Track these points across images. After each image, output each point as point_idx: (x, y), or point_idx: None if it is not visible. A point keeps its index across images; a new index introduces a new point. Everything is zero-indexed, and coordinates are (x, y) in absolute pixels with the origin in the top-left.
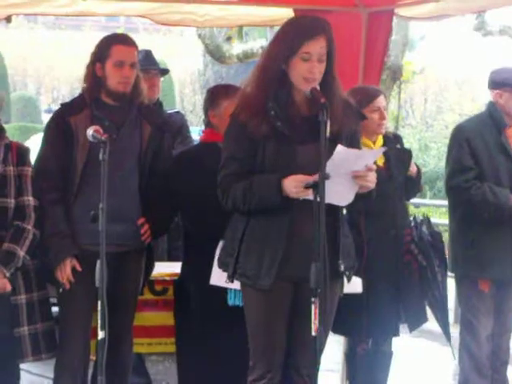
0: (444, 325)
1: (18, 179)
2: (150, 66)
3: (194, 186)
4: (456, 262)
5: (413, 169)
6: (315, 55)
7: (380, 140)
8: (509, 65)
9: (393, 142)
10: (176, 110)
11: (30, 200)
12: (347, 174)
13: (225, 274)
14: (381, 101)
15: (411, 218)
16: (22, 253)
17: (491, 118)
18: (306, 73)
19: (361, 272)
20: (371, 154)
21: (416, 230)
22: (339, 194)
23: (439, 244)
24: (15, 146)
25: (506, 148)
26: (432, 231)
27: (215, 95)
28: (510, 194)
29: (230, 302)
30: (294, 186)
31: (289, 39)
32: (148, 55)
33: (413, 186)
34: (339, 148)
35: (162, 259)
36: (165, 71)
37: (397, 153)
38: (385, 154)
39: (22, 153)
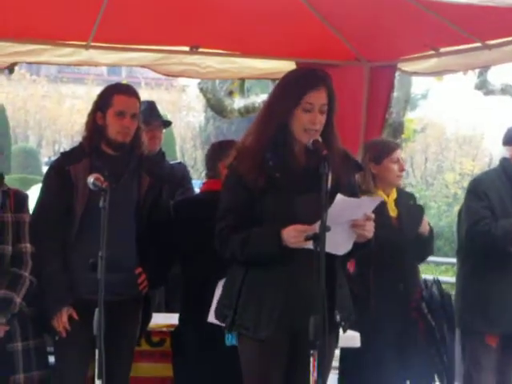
0: None
1: (15, 226)
2: (152, 117)
3: (199, 231)
4: (462, 317)
5: (425, 227)
6: (317, 106)
7: (394, 194)
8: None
9: (406, 197)
10: (178, 161)
11: (27, 247)
12: (346, 223)
13: None
14: (399, 153)
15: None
16: (18, 299)
17: (505, 174)
18: (308, 124)
19: (366, 323)
20: (370, 203)
21: (426, 290)
22: (337, 242)
23: (449, 307)
24: (13, 193)
25: None
26: (442, 293)
27: (226, 146)
28: None
29: (228, 342)
30: (293, 235)
31: (291, 90)
32: (151, 106)
33: (425, 245)
34: (339, 197)
35: (159, 311)
36: (167, 123)
37: (409, 208)
38: (398, 207)
39: (20, 199)
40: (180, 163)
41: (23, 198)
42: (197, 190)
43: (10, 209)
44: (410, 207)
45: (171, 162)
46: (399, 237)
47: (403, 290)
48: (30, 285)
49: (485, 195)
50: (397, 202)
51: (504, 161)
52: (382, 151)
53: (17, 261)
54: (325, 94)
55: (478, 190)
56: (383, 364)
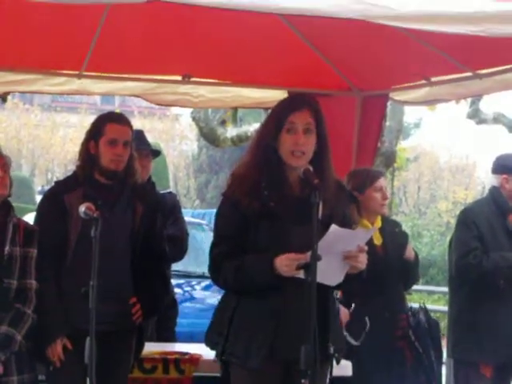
0: None
1: (22, 260)
2: (140, 146)
3: None
4: (456, 346)
5: (410, 253)
6: (300, 126)
7: (378, 222)
8: (510, 152)
9: (392, 224)
10: (169, 191)
11: (32, 283)
12: (338, 253)
13: None
14: (383, 181)
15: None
16: (19, 337)
17: (495, 202)
18: (292, 145)
19: (352, 353)
20: (363, 235)
21: (413, 317)
22: (330, 273)
23: (437, 334)
24: (23, 226)
25: (510, 232)
26: (429, 319)
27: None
28: None
29: None
30: (285, 264)
31: (276, 114)
32: (139, 135)
33: (410, 271)
34: (332, 227)
35: (151, 339)
36: (156, 152)
37: (394, 235)
38: (382, 234)
39: (28, 234)
40: (170, 193)
41: (32, 233)
42: (187, 219)
43: (18, 242)
44: (395, 234)
45: (161, 192)
46: (384, 265)
47: (389, 317)
48: (32, 323)
49: (474, 225)
50: (381, 230)
51: (493, 189)
52: (365, 180)
53: (21, 297)
54: (308, 115)
55: (467, 219)
56: None
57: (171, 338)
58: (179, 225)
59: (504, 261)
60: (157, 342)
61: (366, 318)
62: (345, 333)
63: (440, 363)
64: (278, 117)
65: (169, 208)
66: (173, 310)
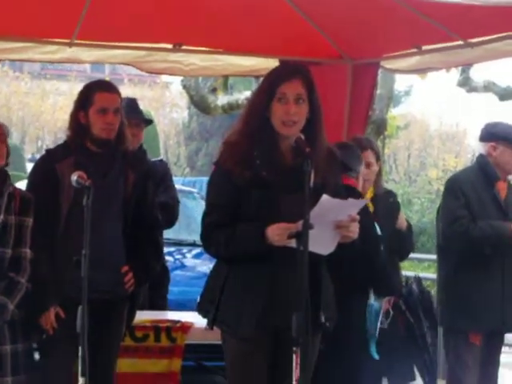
0: None
1: (18, 229)
2: (133, 114)
3: None
4: (445, 315)
5: (402, 223)
6: (291, 96)
7: (370, 192)
8: (498, 120)
9: (385, 194)
10: (160, 159)
11: (27, 252)
12: (330, 223)
13: None
14: (368, 155)
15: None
16: (11, 306)
17: (482, 171)
18: (283, 115)
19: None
20: (355, 204)
21: (405, 287)
22: (321, 243)
23: (430, 304)
24: (19, 195)
25: (497, 200)
26: (423, 290)
27: None
28: (506, 224)
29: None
30: (277, 233)
31: (267, 84)
32: (132, 104)
33: (403, 241)
34: (324, 197)
35: (143, 307)
36: (148, 121)
37: (386, 205)
38: (374, 204)
39: (24, 202)
40: (161, 161)
41: (28, 201)
42: (178, 187)
43: (14, 211)
44: (387, 204)
45: (153, 160)
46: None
47: None
48: (25, 292)
49: (462, 193)
50: (374, 200)
51: (480, 157)
52: None
53: (15, 265)
54: (300, 85)
55: (454, 188)
56: (360, 360)
57: (163, 305)
58: (170, 192)
59: (491, 229)
60: (149, 309)
61: (390, 307)
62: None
63: (435, 333)
64: (269, 86)
65: (160, 176)
66: (164, 277)
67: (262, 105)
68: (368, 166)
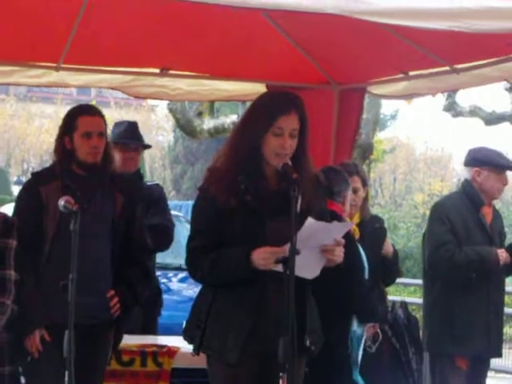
0: None
1: (1, 251)
2: (133, 139)
3: None
4: (432, 340)
5: (388, 249)
6: (287, 131)
7: (357, 218)
8: (482, 145)
9: (372, 220)
10: (156, 183)
11: (11, 274)
12: (315, 247)
13: None
14: (353, 181)
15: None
16: None
17: (467, 196)
18: (278, 148)
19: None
20: (340, 228)
21: (391, 312)
22: (307, 267)
23: (415, 330)
24: (1, 218)
25: (483, 225)
26: (409, 316)
27: None
28: (492, 249)
29: None
30: (262, 257)
31: (262, 115)
32: (133, 128)
33: (389, 267)
34: (309, 220)
35: (135, 329)
36: (146, 146)
37: (372, 231)
38: (360, 230)
39: (8, 225)
40: (157, 184)
41: (11, 224)
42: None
43: None
44: (374, 230)
45: (149, 183)
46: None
47: None
48: (11, 314)
49: (447, 219)
50: (360, 225)
51: (465, 183)
52: None
53: (0, 287)
54: (296, 118)
55: (440, 213)
56: None
57: (155, 327)
58: (165, 215)
59: (476, 254)
60: (141, 331)
61: (378, 330)
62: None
63: (421, 359)
64: (265, 118)
65: (155, 199)
66: (158, 299)
67: (255, 135)
68: (355, 191)
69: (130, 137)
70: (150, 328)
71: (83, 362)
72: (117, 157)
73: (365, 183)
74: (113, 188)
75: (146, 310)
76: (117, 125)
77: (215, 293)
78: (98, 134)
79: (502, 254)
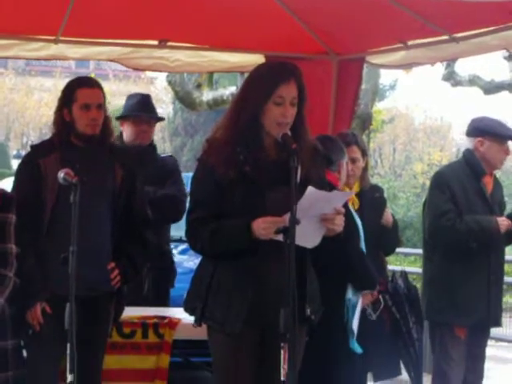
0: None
1: (1, 225)
2: (143, 111)
3: None
4: (431, 309)
5: (387, 219)
6: (288, 99)
7: (356, 187)
8: (483, 115)
9: (371, 189)
10: (169, 154)
11: (12, 248)
12: (316, 216)
13: None
14: (351, 151)
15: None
16: (1, 300)
17: (468, 165)
18: (279, 117)
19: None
20: (340, 197)
21: (391, 282)
22: (307, 236)
23: (416, 299)
24: (0, 192)
25: (484, 194)
26: (409, 285)
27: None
28: (492, 218)
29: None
30: (263, 227)
31: (262, 84)
32: (146, 100)
33: (389, 237)
34: (310, 189)
35: (147, 299)
36: (159, 118)
37: (372, 201)
38: (360, 199)
39: (6, 200)
40: (171, 156)
41: (10, 199)
42: None
43: None
44: (373, 200)
45: (162, 156)
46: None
47: None
48: (14, 286)
49: (448, 188)
50: (359, 195)
51: (467, 152)
52: None
53: (1, 260)
54: (295, 87)
55: (440, 183)
56: (341, 355)
57: (167, 299)
58: (178, 185)
59: (477, 224)
60: (153, 301)
61: (380, 297)
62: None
63: (421, 329)
64: (265, 87)
65: (169, 170)
66: (171, 271)
67: (256, 104)
68: (353, 161)
69: (143, 109)
70: (162, 299)
71: (84, 334)
72: (129, 129)
73: (364, 153)
74: (112, 160)
75: (157, 281)
76: (129, 97)
77: (215, 265)
78: (96, 105)
79: (503, 222)
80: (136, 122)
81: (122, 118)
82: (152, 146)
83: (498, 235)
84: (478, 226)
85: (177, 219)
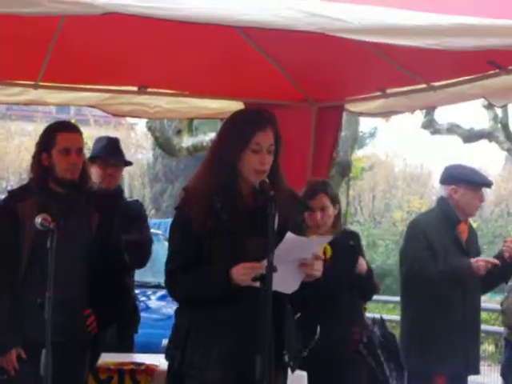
0: None
1: None
2: (114, 155)
3: None
4: (409, 359)
5: (361, 267)
6: (265, 147)
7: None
8: (458, 163)
9: (346, 237)
10: (135, 199)
11: None
12: (294, 261)
13: None
14: (319, 199)
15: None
16: None
17: (443, 213)
18: (257, 165)
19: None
20: (318, 242)
21: (366, 330)
22: (286, 281)
23: (393, 346)
24: None
25: (459, 242)
26: (385, 332)
27: None
28: (465, 259)
29: None
30: (242, 273)
31: (238, 132)
32: (115, 144)
33: (365, 285)
34: (288, 235)
35: (110, 346)
36: (127, 163)
37: (345, 248)
38: (333, 248)
39: None
40: (137, 201)
41: None
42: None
43: None
44: (347, 248)
45: (128, 200)
46: (332, 279)
47: (338, 331)
48: None
49: (423, 236)
50: (332, 243)
51: (441, 200)
52: (305, 195)
53: None
54: (272, 135)
55: (417, 231)
56: None
57: (131, 345)
58: (144, 232)
59: (448, 266)
60: (117, 349)
61: (318, 327)
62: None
63: (401, 374)
64: (242, 135)
65: (134, 215)
66: (134, 317)
67: (233, 152)
68: (322, 209)
69: (111, 152)
70: (126, 345)
71: (60, 381)
72: (96, 173)
73: (335, 201)
74: (89, 206)
75: (121, 327)
76: (98, 140)
77: (194, 312)
78: (76, 150)
79: (478, 262)
80: (103, 165)
81: (89, 160)
82: (119, 191)
83: (471, 276)
84: (449, 267)
85: (140, 265)
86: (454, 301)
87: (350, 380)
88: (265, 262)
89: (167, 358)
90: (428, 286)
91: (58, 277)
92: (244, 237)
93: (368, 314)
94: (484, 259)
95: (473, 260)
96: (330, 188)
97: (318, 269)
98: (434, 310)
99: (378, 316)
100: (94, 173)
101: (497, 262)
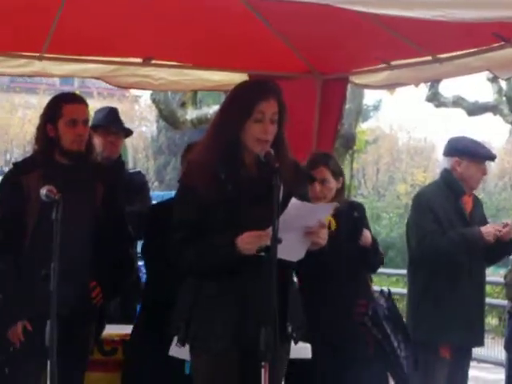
0: None
1: None
2: (114, 124)
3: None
4: (415, 329)
5: (366, 239)
6: (268, 116)
7: None
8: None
9: (351, 208)
10: (137, 170)
11: None
12: (299, 229)
13: (185, 348)
14: (319, 172)
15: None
16: None
17: (447, 185)
18: (259, 134)
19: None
20: (324, 209)
21: (371, 302)
22: (291, 249)
23: (399, 318)
24: None
25: (463, 214)
26: (390, 304)
27: None
28: (475, 228)
29: (188, 371)
30: (247, 241)
31: (242, 102)
32: (114, 113)
33: (369, 256)
34: (293, 201)
35: (114, 318)
36: (128, 132)
37: (351, 220)
38: (337, 219)
39: None
40: (139, 172)
41: None
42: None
43: None
44: (352, 219)
45: (130, 171)
46: (335, 250)
47: (342, 304)
48: None
49: (429, 209)
50: (337, 215)
51: (445, 172)
52: (307, 166)
53: None
54: (275, 104)
55: (422, 204)
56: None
57: (134, 316)
58: (145, 203)
59: (460, 235)
60: (120, 320)
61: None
62: None
63: (409, 347)
64: (244, 104)
65: (137, 187)
66: (137, 289)
67: (236, 122)
68: (322, 182)
69: (111, 121)
70: (129, 316)
71: (64, 352)
72: (98, 142)
73: (338, 174)
74: (94, 178)
75: (124, 299)
76: (98, 111)
77: (199, 284)
78: (83, 121)
79: (487, 229)
80: (104, 133)
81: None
82: (120, 162)
83: (482, 244)
84: (462, 237)
85: (141, 237)
86: (461, 273)
87: (355, 353)
88: (270, 230)
89: (172, 330)
90: (439, 258)
91: (63, 248)
92: (247, 207)
93: (375, 287)
94: (493, 226)
95: (482, 228)
96: (332, 161)
97: (323, 237)
98: (442, 282)
99: (385, 289)
100: (96, 142)
101: (507, 223)
